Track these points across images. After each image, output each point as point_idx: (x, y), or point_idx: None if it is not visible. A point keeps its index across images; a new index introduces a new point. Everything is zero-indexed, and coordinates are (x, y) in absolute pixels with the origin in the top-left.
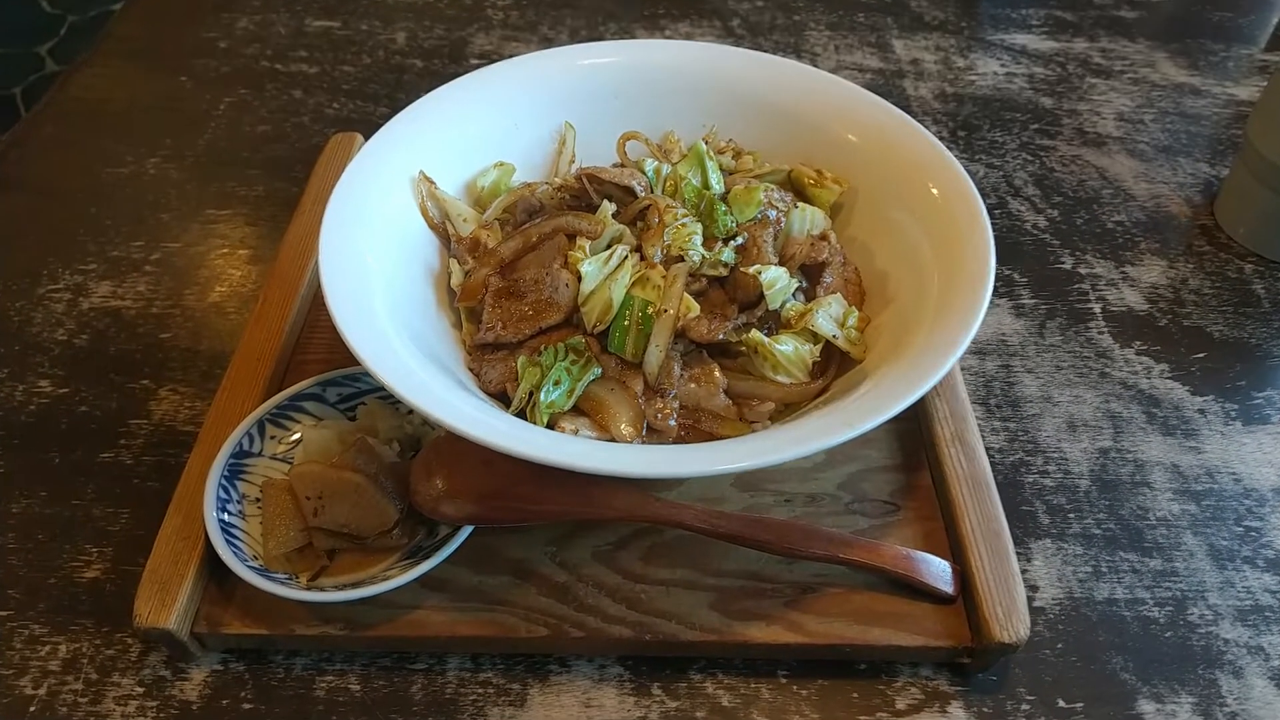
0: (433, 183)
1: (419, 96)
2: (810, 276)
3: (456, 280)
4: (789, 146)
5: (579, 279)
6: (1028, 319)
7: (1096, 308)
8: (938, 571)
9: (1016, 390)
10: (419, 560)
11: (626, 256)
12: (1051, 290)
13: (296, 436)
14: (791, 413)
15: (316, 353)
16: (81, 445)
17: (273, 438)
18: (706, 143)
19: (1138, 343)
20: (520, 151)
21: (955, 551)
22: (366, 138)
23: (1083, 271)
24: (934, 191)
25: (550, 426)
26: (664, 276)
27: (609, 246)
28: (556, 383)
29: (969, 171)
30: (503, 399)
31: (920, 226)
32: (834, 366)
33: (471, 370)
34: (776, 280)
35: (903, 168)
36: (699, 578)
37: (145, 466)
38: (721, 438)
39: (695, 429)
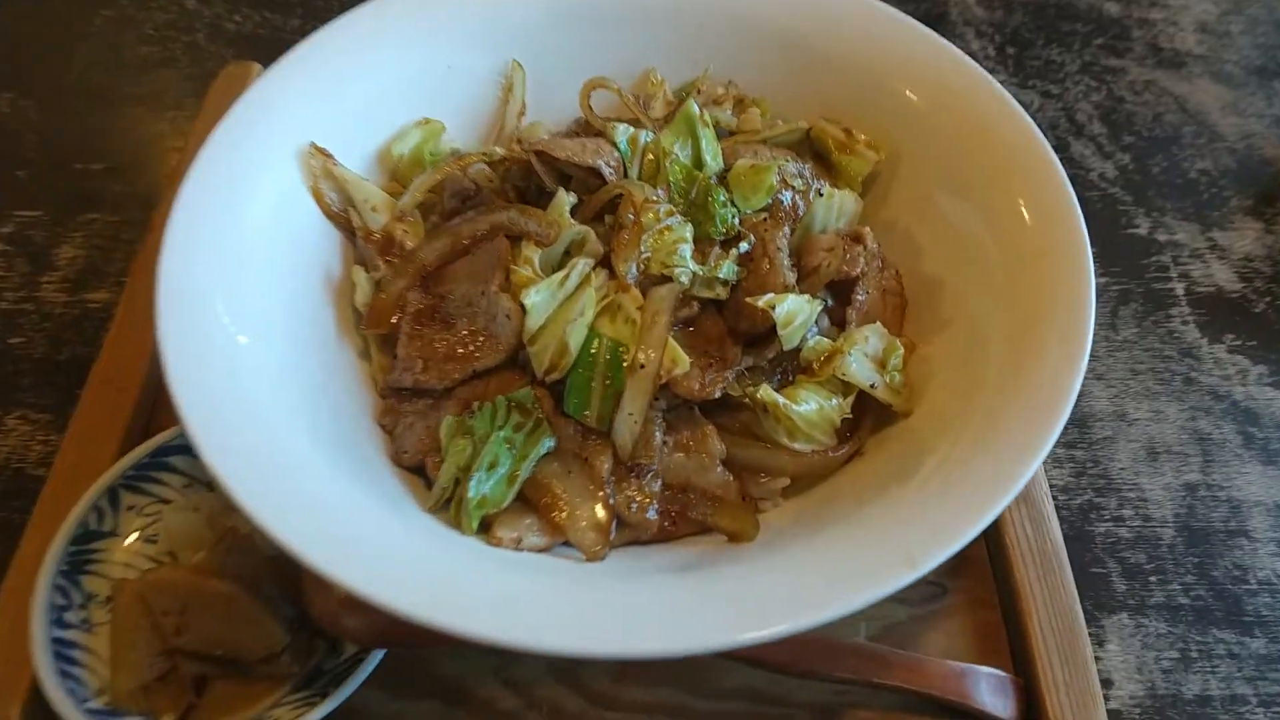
0: (329, 157)
1: (338, 10)
2: (839, 293)
3: (363, 296)
4: (808, 92)
5: (522, 312)
6: (1097, 304)
7: (1179, 288)
8: (996, 692)
9: (1084, 404)
10: (317, 693)
11: (590, 274)
12: (1125, 265)
13: (162, 507)
14: (810, 486)
15: None
16: None
17: (131, 508)
18: (700, 92)
19: (1229, 336)
20: (452, 103)
21: (1018, 655)
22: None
23: (1161, 238)
24: (1015, 192)
25: (484, 529)
26: (641, 307)
27: (566, 256)
28: (492, 465)
29: (1021, 100)
30: (423, 474)
31: (986, 223)
32: (868, 421)
33: (383, 427)
34: (795, 315)
35: (970, 142)
36: (688, 701)
37: None
38: (717, 529)
39: (683, 517)
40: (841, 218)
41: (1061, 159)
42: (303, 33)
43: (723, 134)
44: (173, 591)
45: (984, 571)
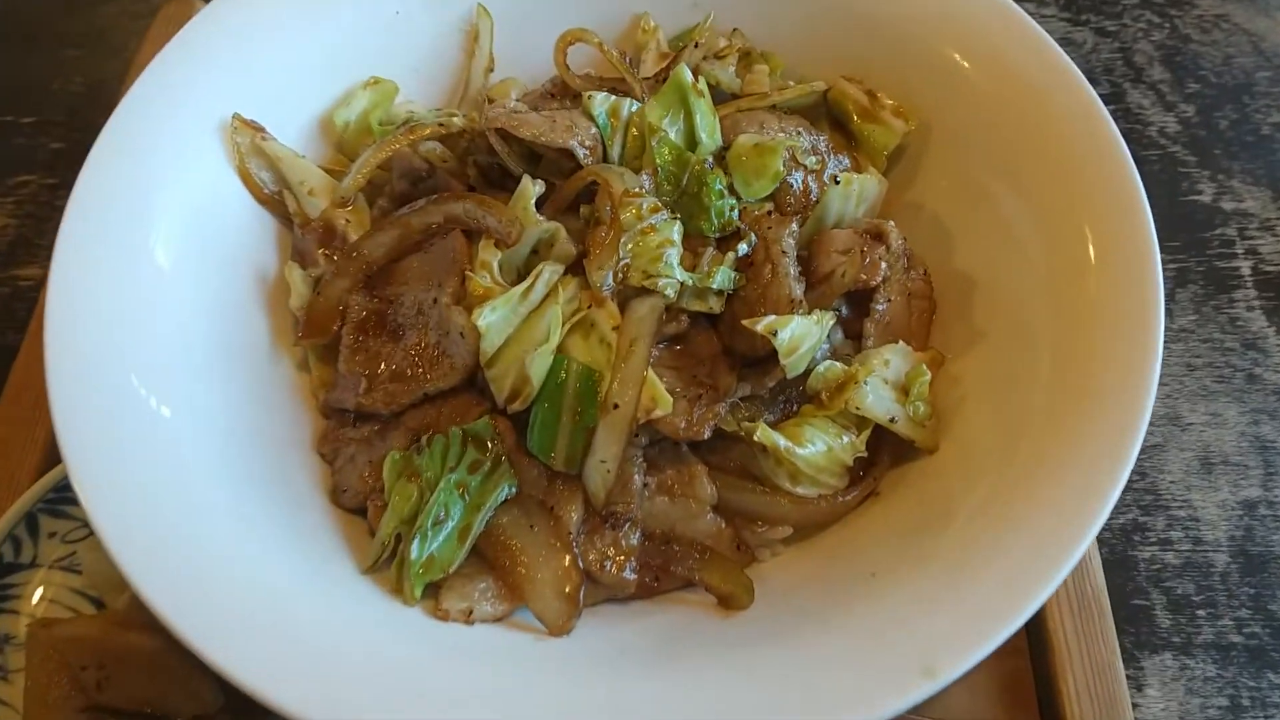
0: (258, 130)
1: None
2: (856, 300)
3: (298, 299)
4: (827, 46)
5: (478, 333)
6: None
7: (1245, 266)
8: None
9: None
10: None
11: (558, 283)
12: (1184, 238)
13: (88, 533)
14: (816, 530)
15: None
16: None
17: (53, 535)
18: (698, 45)
19: None
20: (409, 58)
21: (1048, 711)
22: None
23: (1226, 207)
24: (1075, 192)
25: (431, 592)
26: (617, 327)
27: (533, 256)
28: (438, 520)
29: (1073, 40)
30: (366, 515)
31: (1035, 221)
32: (885, 456)
33: (322, 456)
34: (801, 341)
35: (1023, 123)
36: None
37: None
38: (706, 588)
39: (666, 572)
40: (861, 204)
41: (1116, 110)
42: None
43: (724, 97)
44: (92, 646)
45: None
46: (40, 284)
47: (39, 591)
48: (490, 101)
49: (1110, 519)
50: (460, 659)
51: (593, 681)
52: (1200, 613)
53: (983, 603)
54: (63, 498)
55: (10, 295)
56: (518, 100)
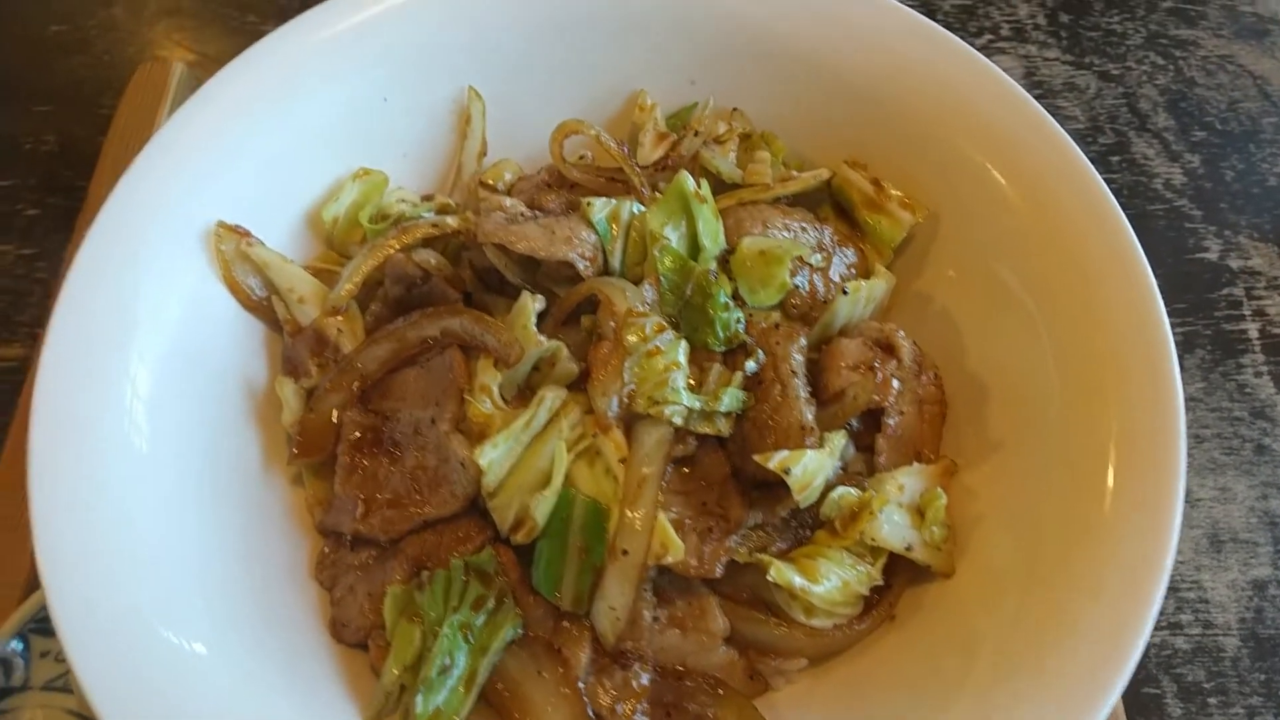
0: (244, 235)
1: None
2: (866, 414)
3: (289, 416)
4: (831, 127)
5: (480, 468)
6: None
7: (1253, 329)
8: None
9: None
10: None
11: (561, 409)
12: (1191, 299)
13: None
14: (829, 661)
15: None
16: None
17: (45, 655)
18: (698, 133)
19: None
20: (399, 144)
21: None
22: (205, 49)
23: (1234, 264)
24: (1093, 303)
25: None
26: (624, 459)
27: (533, 372)
28: (444, 669)
29: (1076, 85)
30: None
31: (1047, 322)
32: (900, 581)
33: (321, 584)
34: (814, 475)
35: (1032, 212)
36: None
37: None
38: None
39: (678, 709)
40: (870, 305)
41: (1121, 160)
42: (236, 1)
43: (725, 186)
44: None
45: None
46: (21, 364)
47: (34, 715)
48: (484, 185)
49: None
50: None
51: None
52: (1211, 700)
53: None
54: None
55: None
56: (513, 187)
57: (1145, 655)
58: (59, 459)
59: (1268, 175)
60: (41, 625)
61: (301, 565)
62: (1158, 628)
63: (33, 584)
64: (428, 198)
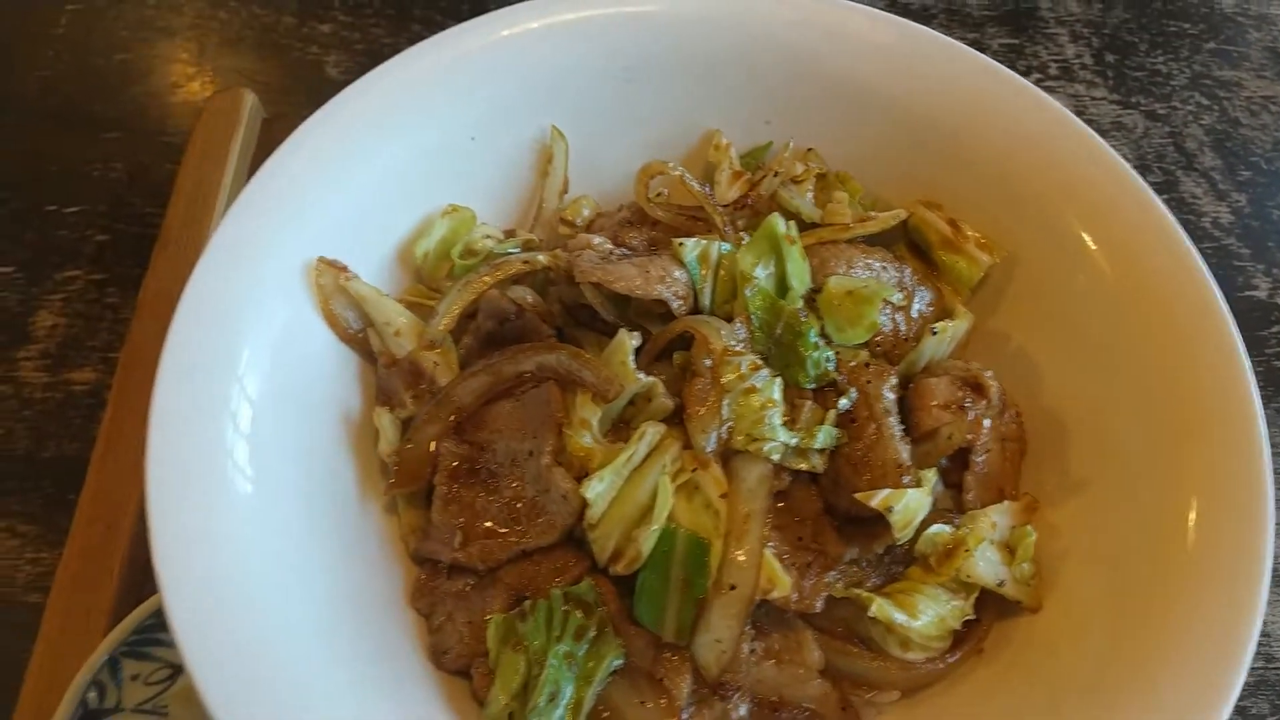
0: (341, 270)
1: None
2: (953, 455)
3: (386, 445)
4: (906, 170)
5: (582, 499)
6: None
7: None
8: None
9: None
10: None
11: (660, 442)
12: (1244, 337)
13: (171, 673)
14: (918, 693)
15: None
16: None
17: (135, 678)
18: (776, 173)
19: None
20: (483, 181)
21: None
22: (266, 88)
23: None
24: (1176, 354)
25: None
26: (724, 495)
27: (631, 406)
28: (552, 697)
29: (1123, 124)
30: (469, 676)
31: (1130, 373)
32: (988, 616)
33: (418, 611)
34: (915, 514)
35: (1116, 264)
36: None
37: None
38: None
39: None
40: (952, 343)
41: (1171, 199)
42: (298, 33)
43: (803, 226)
44: None
45: None
46: (94, 388)
47: None
48: (564, 222)
49: None
50: None
51: None
52: None
53: None
54: (145, 639)
55: (63, 401)
56: (591, 223)
57: None
58: (175, 494)
59: None
60: (131, 649)
61: (398, 593)
62: None
63: (119, 609)
64: (509, 233)
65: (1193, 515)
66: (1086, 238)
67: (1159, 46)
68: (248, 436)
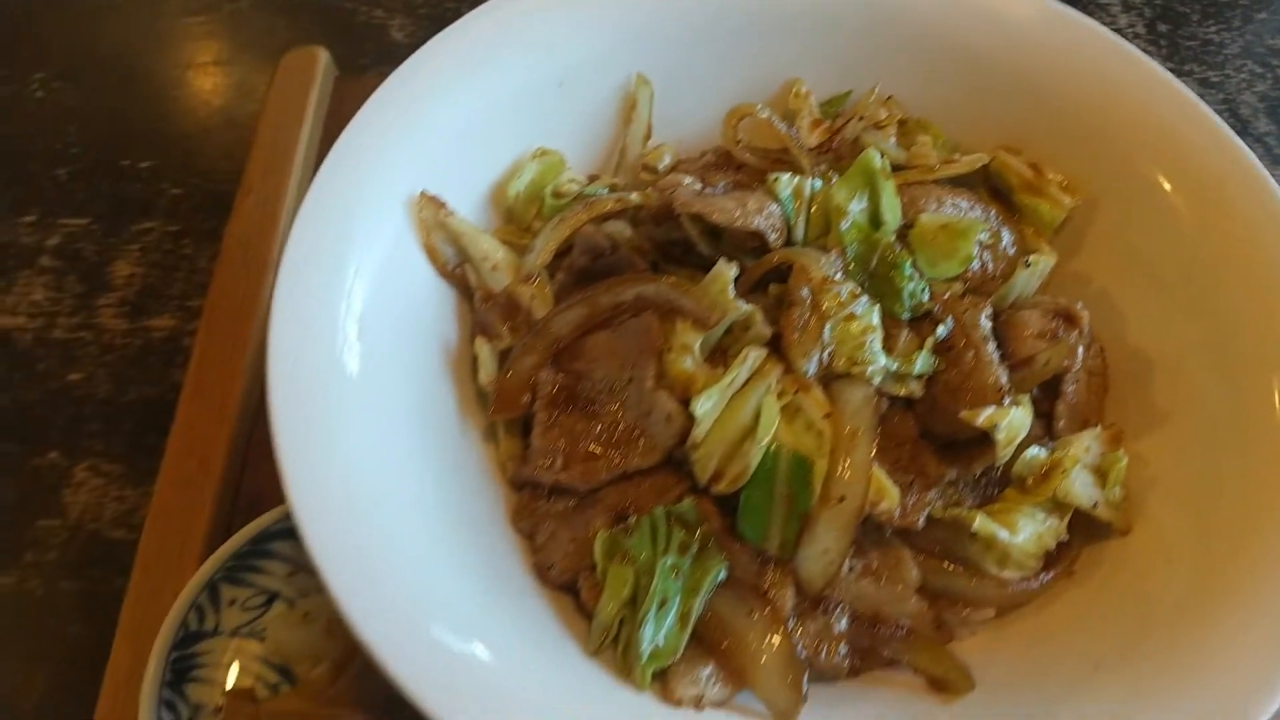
0: (442, 206)
1: None
2: (1043, 383)
3: (486, 374)
4: (986, 119)
5: (688, 414)
6: None
7: None
8: None
9: None
10: None
11: (761, 366)
12: None
13: (267, 599)
14: (1010, 613)
15: None
16: None
17: (233, 603)
18: (862, 118)
19: None
20: (569, 127)
21: None
22: (335, 43)
23: None
24: (1256, 277)
25: (658, 678)
26: (827, 415)
27: (727, 334)
28: (662, 604)
29: None
30: (571, 591)
31: (1212, 316)
32: (1078, 539)
33: (519, 530)
34: (1017, 432)
35: (1197, 209)
36: None
37: (64, 599)
38: (914, 670)
39: (871, 654)
40: (1039, 280)
41: None
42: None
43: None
44: None
45: None
46: (172, 334)
47: (224, 658)
48: (647, 169)
49: None
50: None
51: None
52: None
53: (1226, 693)
54: (241, 565)
55: (144, 347)
56: (672, 170)
57: None
58: (297, 388)
59: None
60: (228, 575)
61: (500, 515)
62: None
63: (213, 538)
64: (593, 178)
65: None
66: (1164, 180)
67: (1210, 16)
68: (359, 350)
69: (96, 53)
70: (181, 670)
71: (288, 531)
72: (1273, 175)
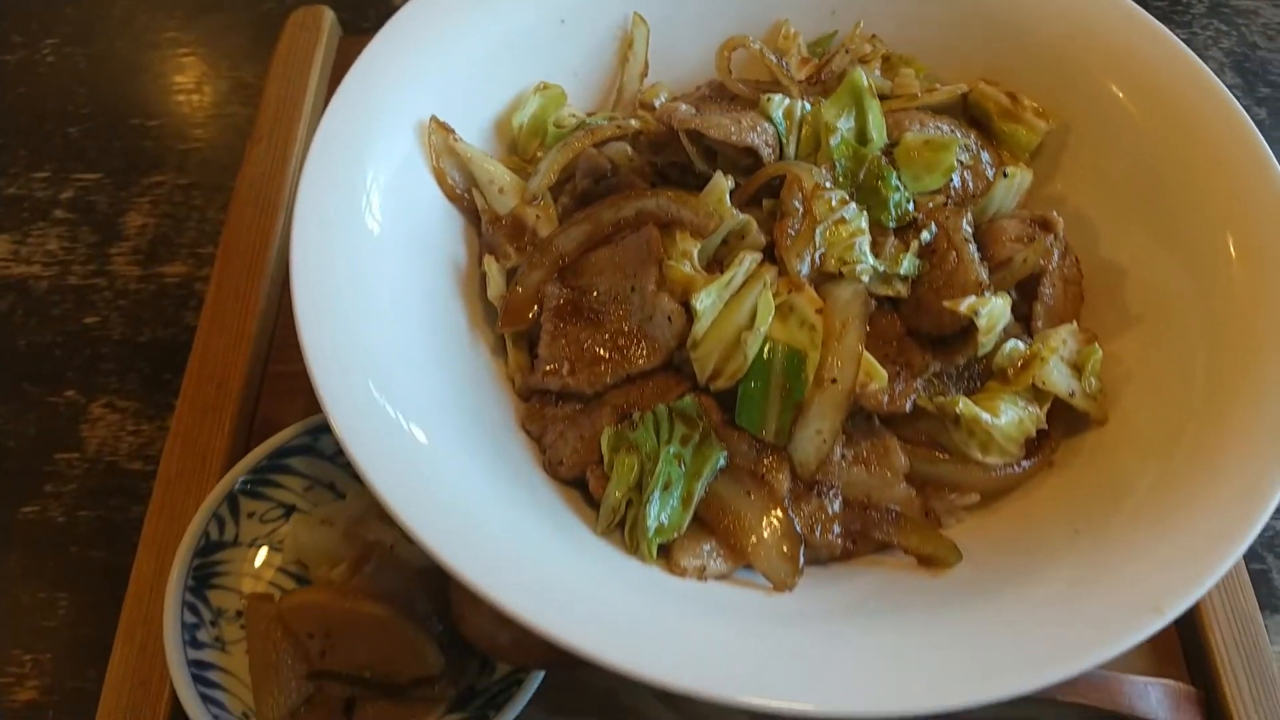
0: (450, 132)
1: None
2: (1022, 285)
3: (495, 290)
4: (965, 53)
5: (688, 314)
6: None
7: None
8: (1179, 707)
9: None
10: (474, 715)
11: (756, 270)
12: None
13: (284, 512)
14: (994, 499)
15: (300, 359)
16: None
17: (251, 515)
18: (848, 51)
19: None
20: (569, 63)
21: (1197, 670)
22: (338, 6)
23: None
24: (1221, 219)
25: (663, 554)
26: (819, 310)
27: (722, 246)
28: (666, 485)
29: None
30: (579, 485)
31: (1176, 217)
32: (1058, 429)
33: (529, 433)
34: (997, 319)
35: (1160, 121)
36: None
37: (83, 526)
38: (905, 550)
39: (864, 536)
40: (1016, 196)
41: None
42: None
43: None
44: (317, 614)
45: None
46: (185, 281)
47: (257, 558)
48: (644, 105)
49: None
50: (700, 610)
51: (821, 635)
52: None
53: (1185, 551)
54: (259, 479)
55: (157, 292)
56: (673, 101)
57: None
58: (321, 309)
59: None
60: (246, 488)
61: (510, 420)
62: None
63: (230, 458)
64: (592, 114)
65: (1241, 334)
66: (1117, 90)
67: None
68: (381, 263)
69: (105, 19)
70: (203, 577)
71: (304, 448)
72: None
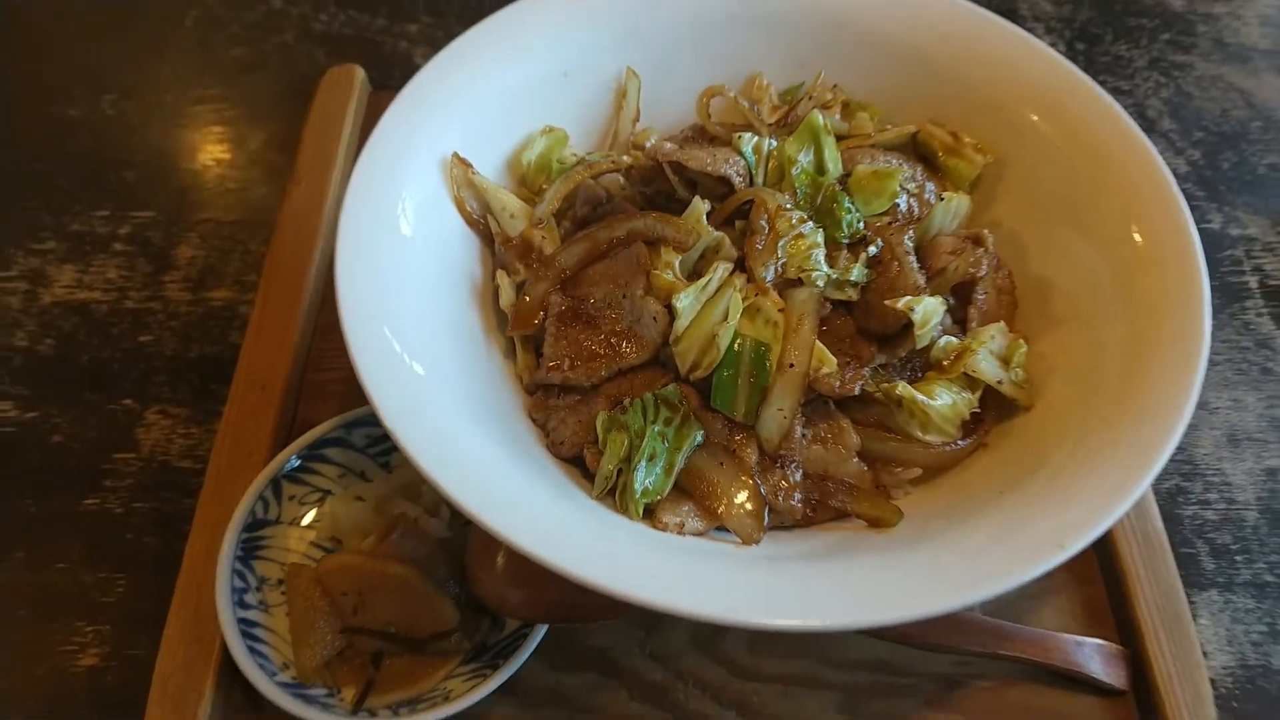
0: (469, 166)
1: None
2: (958, 293)
3: (506, 299)
4: (914, 101)
5: (670, 315)
6: None
7: (1252, 281)
8: (1108, 662)
9: None
10: (486, 666)
11: (729, 277)
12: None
13: (320, 496)
14: (936, 477)
15: (334, 368)
16: (59, 489)
17: (292, 498)
18: (811, 97)
19: None
20: (572, 110)
21: (1124, 631)
22: (367, 67)
23: (1233, 233)
24: (1129, 215)
25: (647, 515)
26: (782, 309)
27: (700, 260)
28: (651, 457)
29: None
30: (577, 464)
31: (1091, 231)
32: (990, 414)
33: (535, 421)
34: (931, 315)
35: (1080, 153)
36: (820, 671)
37: (138, 516)
38: (857, 515)
39: (822, 504)
40: (955, 219)
41: None
42: (387, 31)
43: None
44: (351, 575)
45: (1087, 552)
46: (230, 304)
47: (286, 542)
48: (636, 147)
49: (1157, 484)
50: (679, 550)
51: (782, 570)
52: (1238, 558)
53: (1090, 503)
54: (300, 468)
55: (205, 314)
56: (662, 141)
57: (1181, 524)
58: (363, 319)
59: (1258, 166)
60: (289, 474)
61: (519, 410)
62: (1191, 504)
63: (273, 451)
64: (590, 153)
65: (1144, 333)
66: (1044, 126)
67: (1121, 37)
68: (411, 278)
69: (157, 77)
70: (250, 549)
71: (338, 440)
72: (1173, 164)
